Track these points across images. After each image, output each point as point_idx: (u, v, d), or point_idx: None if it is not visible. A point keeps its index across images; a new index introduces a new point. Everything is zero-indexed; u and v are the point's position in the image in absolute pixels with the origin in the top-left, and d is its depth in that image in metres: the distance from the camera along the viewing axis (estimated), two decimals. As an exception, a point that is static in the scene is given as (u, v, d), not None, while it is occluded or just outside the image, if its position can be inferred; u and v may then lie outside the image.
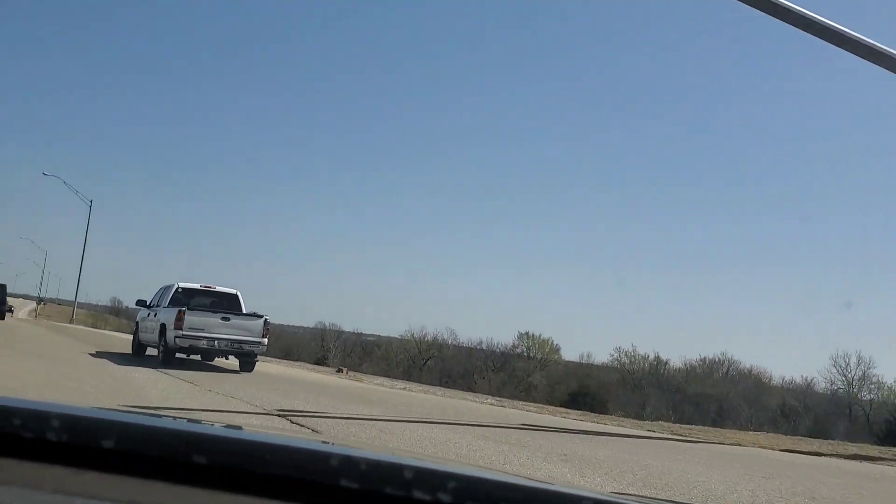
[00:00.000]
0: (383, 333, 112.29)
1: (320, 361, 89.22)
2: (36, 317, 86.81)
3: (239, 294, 18.28)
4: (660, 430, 13.81)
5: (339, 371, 22.41)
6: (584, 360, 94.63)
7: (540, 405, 19.92)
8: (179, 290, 17.85)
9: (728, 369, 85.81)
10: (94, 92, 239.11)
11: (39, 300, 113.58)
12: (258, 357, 17.40)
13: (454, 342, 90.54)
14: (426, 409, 12.89)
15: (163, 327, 16.79)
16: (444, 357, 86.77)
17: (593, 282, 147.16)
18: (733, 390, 74.92)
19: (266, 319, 16.82)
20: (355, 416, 10.35)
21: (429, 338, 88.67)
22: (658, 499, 4.89)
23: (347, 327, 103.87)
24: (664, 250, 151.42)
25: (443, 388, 26.15)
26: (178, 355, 16.84)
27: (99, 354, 18.47)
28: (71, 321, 59.96)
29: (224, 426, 1.64)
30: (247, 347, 16.52)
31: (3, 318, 40.68)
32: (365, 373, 71.49)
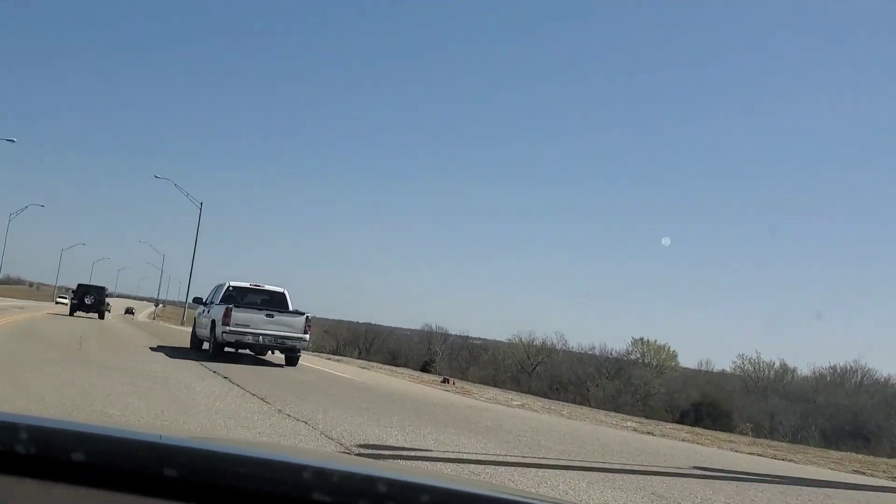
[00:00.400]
0: (489, 337, 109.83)
1: (426, 366, 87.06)
2: (154, 318, 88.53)
3: (286, 292, 18.99)
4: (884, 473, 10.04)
5: (446, 381, 19.49)
6: (703, 368, 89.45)
7: (693, 430, 16.23)
8: (230, 288, 18.68)
9: (862, 378, 79.16)
10: (207, 102, 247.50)
11: (157, 302, 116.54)
12: (301, 352, 18.17)
13: (563, 347, 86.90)
14: (558, 440, 9.63)
15: (213, 323, 17.61)
16: (554, 363, 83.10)
17: (708, 287, 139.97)
18: (870, 401, 68.51)
19: (308, 316, 17.56)
20: (467, 457, 7.23)
21: (537, 343, 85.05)
22: None
23: (454, 330, 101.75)
24: (792, 254, 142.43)
25: (567, 405, 22.75)
26: (227, 349, 17.47)
27: (159, 348, 19.43)
28: (182, 322, 59.69)
29: (196, 438, 1.86)
30: (289, 343, 17.27)
31: (102, 318, 43.26)
32: (472, 381, 68.58)
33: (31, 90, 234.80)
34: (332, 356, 36.99)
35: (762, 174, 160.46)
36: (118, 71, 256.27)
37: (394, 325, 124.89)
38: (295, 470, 1.18)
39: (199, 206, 59.41)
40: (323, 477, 1.13)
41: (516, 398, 18.94)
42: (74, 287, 47.65)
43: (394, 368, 28.84)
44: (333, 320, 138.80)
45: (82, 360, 13.35)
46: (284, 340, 17.19)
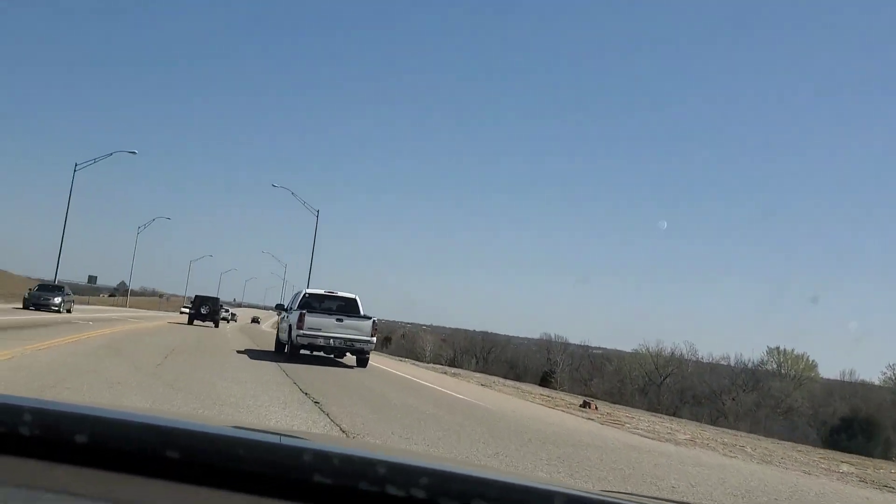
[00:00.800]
0: (610, 346, 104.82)
1: (546, 377, 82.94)
2: (274, 327, 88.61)
3: (357, 298, 19.92)
4: None
5: (586, 406, 15.87)
6: (847, 378, 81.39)
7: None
8: (307, 295, 19.95)
9: None
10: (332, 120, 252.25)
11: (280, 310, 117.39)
12: (369, 353, 19.18)
13: (693, 357, 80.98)
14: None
15: (290, 327, 18.86)
16: (684, 374, 77.29)
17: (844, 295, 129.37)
18: None
19: (374, 321, 18.81)
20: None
21: (665, 353, 79.42)
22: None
23: (574, 339, 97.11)
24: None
25: (740, 435, 18.58)
26: (302, 352, 18.80)
27: (246, 351, 20.56)
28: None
29: (199, 421, 1.75)
30: (357, 345, 18.32)
31: (216, 326, 45.73)
32: (597, 395, 64.32)
33: (154, 103, 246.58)
34: (448, 368, 33.99)
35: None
36: (236, 83, 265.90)
37: (511, 333, 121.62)
38: (294, 452, 1.19)
39: (316, 213, 58.19)
40: (323, 459, 1.15)
41: (678, 427, 15.16)
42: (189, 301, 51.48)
43: (518, 384, 25.54)
44: (450, 329, 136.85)
45: (147, 379, 10.81)
46: (353, 343, 18.31)
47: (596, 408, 15.87)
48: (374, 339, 19.14)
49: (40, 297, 34.30)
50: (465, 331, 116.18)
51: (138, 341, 19.61)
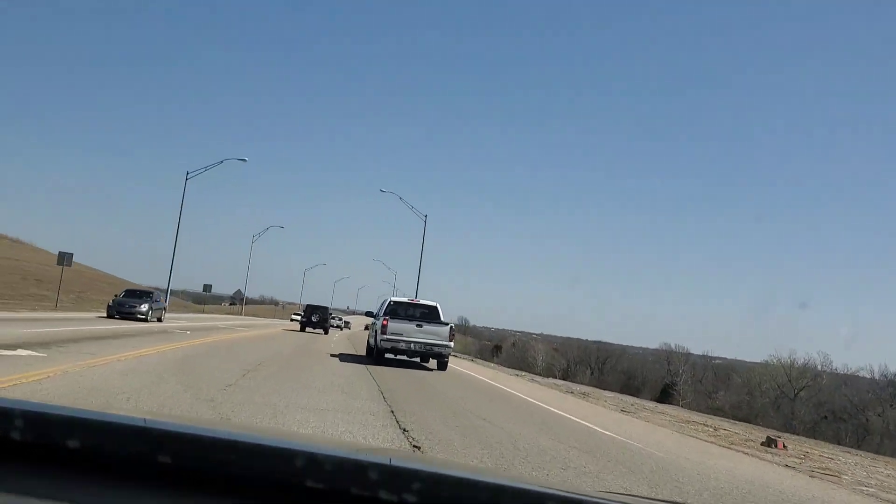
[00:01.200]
0: (733, 356, 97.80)
1: (667, 390, 77.48)
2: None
3: (438, 306, 20.84)
4: None
5: (771, 444, 11.93)
6: None
7: None
8: (391, 302, 20.82)
9: None
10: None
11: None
12: (448, 357, 20.22)
13: (828, 369, 73.66)
14: None
15: (375, 332, 20.10)
16: (820, 387, 70.20)
17: None
18: None
19: (451, 326, 19.83)
20: None
21: (798, 364, 72.44)
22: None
23: (695, 349, 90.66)
24: None
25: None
26: (387, 355, 19.86)
27: (340, 355, 21.85)
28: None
29: (192, 424, 1.70)
30: (436, 349, 19.36)
31: (326, 333, 47.83)
32: (730, 411, 58.60)
33: (262, 110, 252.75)
34: (559, 382, 30.29)
35: None
36: (346, 89, 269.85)
37: (626, 343, 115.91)
38: (287, 457, 1.17)
39: (424, 219, 55.73)
40: (315, 464, 1.14)
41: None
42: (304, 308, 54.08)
43: (663, 409, 21.54)
44: (562, 338, 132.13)
45: (198, 406, 8.13)
46: (432, 347, 19.39)
47: (784, 446, 11.94)
48: (452, 343, 20.07)
49: (125, 304, 29.97)
50: (578, 340, 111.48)
51: (225, 353, 17.20)
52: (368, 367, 16.66)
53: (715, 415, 46.93)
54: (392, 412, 9.74)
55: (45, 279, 48.12)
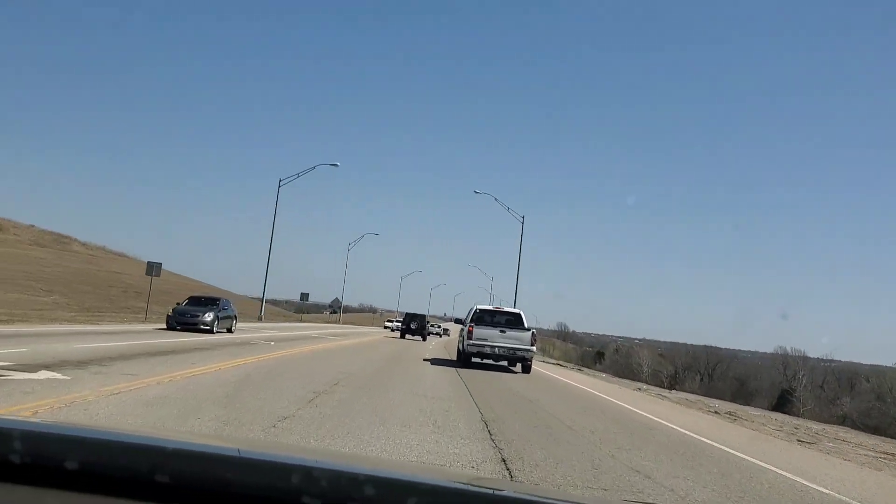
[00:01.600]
0: (859, 360, 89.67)
1: (785, 398, 70.97)
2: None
3: (521, 313, 22.01)
4: None
5: None
6: None
7: None
8: (477, 310, 22.00)
9: None
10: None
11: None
12: (531, 361, 21.10)
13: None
14: None
15: (462, 338, 21.87)
16: (968, 393, 62.59)
17: None
18: None
19: (533, 332, 20.92)
20: None
21: (938, 367, 65.03)
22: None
23: (813, 353, 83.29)
24: None
25: None
26: (473, 360, 21.09)
27: (433, 360, 22.70)
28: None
29: (190, 441, 1.58)
30: (519, 353, 20.51)
31: (424, 340, 48.29)
32: (859, 419, 52.58)
33: (352, 116, 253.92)
34: (666, 392, 26.59)
35: None
36: (438, 91, 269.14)
37: (737, 347, 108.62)
38: (283, 472, 1.16)
39: (521, 220, 52.34)
40: (310, 480, 1.12)
41: None
42: (401, 315, 56.51)
43: (749, 412, 17.57)
44: (667, 343, 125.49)
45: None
46: (515, 351, 20.26)
47: None
48: (534, 348, 21.05)
49: (186, 313, 25.58)
50: (684, 345, 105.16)
51: (301, 369, 14.43)
52: (469, 389, 13.55)
53: (841, 424, 41.64)
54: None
55: (145, 292, 47.76)
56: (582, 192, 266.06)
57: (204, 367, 12.57)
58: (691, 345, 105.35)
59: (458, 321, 23.64)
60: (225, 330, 27.14)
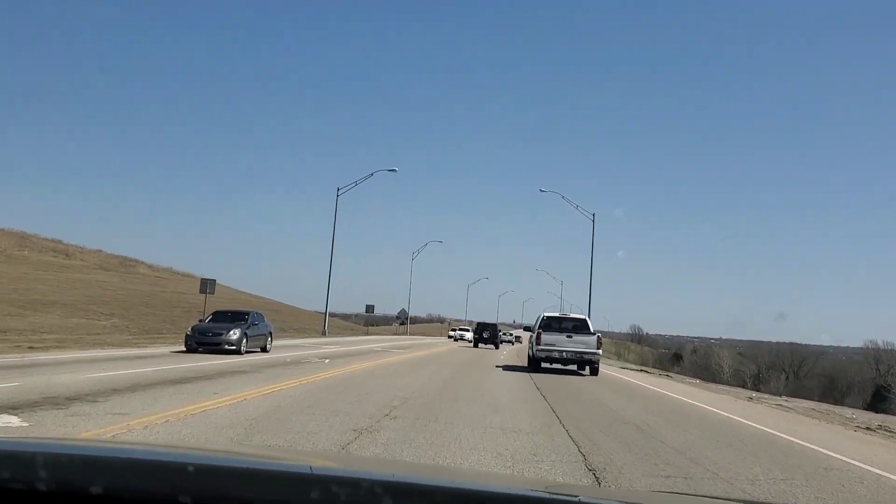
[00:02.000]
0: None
1: (880, 395, 65.08)
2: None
3: (587, 318, 22.97)
4: None
5: None
6: None
7: None
8: (545, 317, 22.64)
9: None
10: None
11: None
12: (597, 364, 21.82)
13: None
14: None
15: (531, 344, 23.03)
16: None
17: None
18: None
19: (599, 336, 21.61)
20: None
21: None
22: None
23: (903, 347, 76.78)
24: None
25: None
26: (543, 364, 22.08)
27: (505, 367, 23.60)
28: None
29: (210, 450, 1.69)
30: (586, 357, 21.26)
31: (497, 348, 48.74)
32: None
33: (409, 121, 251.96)
34: (778, 399, 23.42)
35: None
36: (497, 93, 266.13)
37: (823, 343, 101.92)
38: (301, 483, 1.16)
39: (592, 217, 48.93)
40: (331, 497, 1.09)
41: None
42: (467, 324, 59.15)
43: (840, 415, 13.88)
44: (747, 342, 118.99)
45: None
46: (581, 355, 21.38)
47: None
48: (601, 351, 21.92)
49: (207, 332, 21.62)
50: (766, 343, 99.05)
51: (347, 394, 11.60)
52: (555, 412, 10.60)
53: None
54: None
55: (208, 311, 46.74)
56: (653, 189, 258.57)
57: (220, 400, 9.82)
58: (774, 342, 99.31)
59: (526, 329, 24.34)
60: (258, 349, 23.44)
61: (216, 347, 21.11)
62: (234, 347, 21.29)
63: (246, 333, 22.18)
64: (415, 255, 79.64)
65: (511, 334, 79.49)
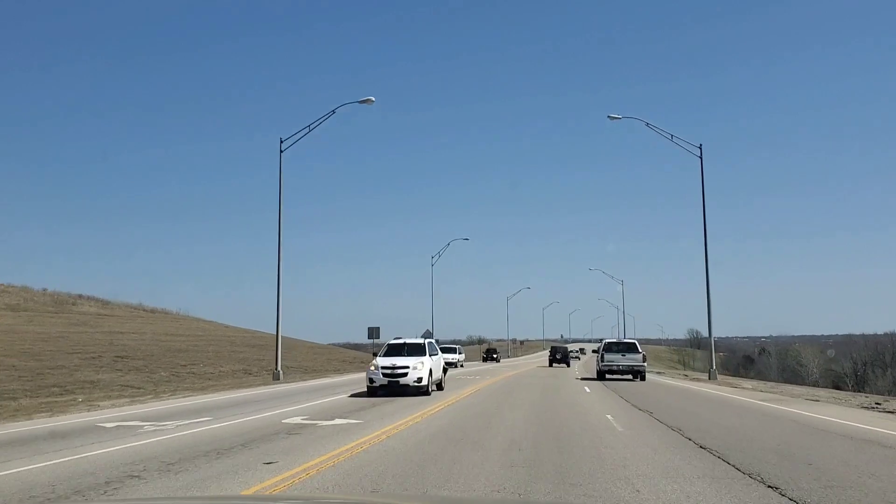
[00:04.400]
0: None
1: None
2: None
3: (636, 342, 33.95)
4: None
5: None
6: None
7: None
8: (606, 343, 34.47)
9: None
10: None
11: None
12: (644, 373, 32.62)
13: None
14: None
15: (597, 361, 34.43)
16: None
17: None
18: None
19: (644, 354, 32.49)
20: None
21: None
22: None
23: None
24: None
25: None
26: (607, 376, 32.94)
27: (582, 378, 34.13)
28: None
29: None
30: (636, 368, 32.04)
31: (568, 366, 59.05)
32: None
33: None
34: (876, 400, 19.12)
35: None
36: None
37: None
38: None
39: (699, 150, 48.15)
40: None
41: None
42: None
43: None
44: (830, 336, 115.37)
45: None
46: (632, 367, 31.89)
47: None
48: (646, 364, 32.71)
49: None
50: (861, 336, 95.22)
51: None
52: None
53: None
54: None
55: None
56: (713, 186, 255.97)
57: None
58: (870, 334, 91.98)
59: (594, 352, 38.91)
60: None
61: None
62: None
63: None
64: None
65: (574, 352, 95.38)
